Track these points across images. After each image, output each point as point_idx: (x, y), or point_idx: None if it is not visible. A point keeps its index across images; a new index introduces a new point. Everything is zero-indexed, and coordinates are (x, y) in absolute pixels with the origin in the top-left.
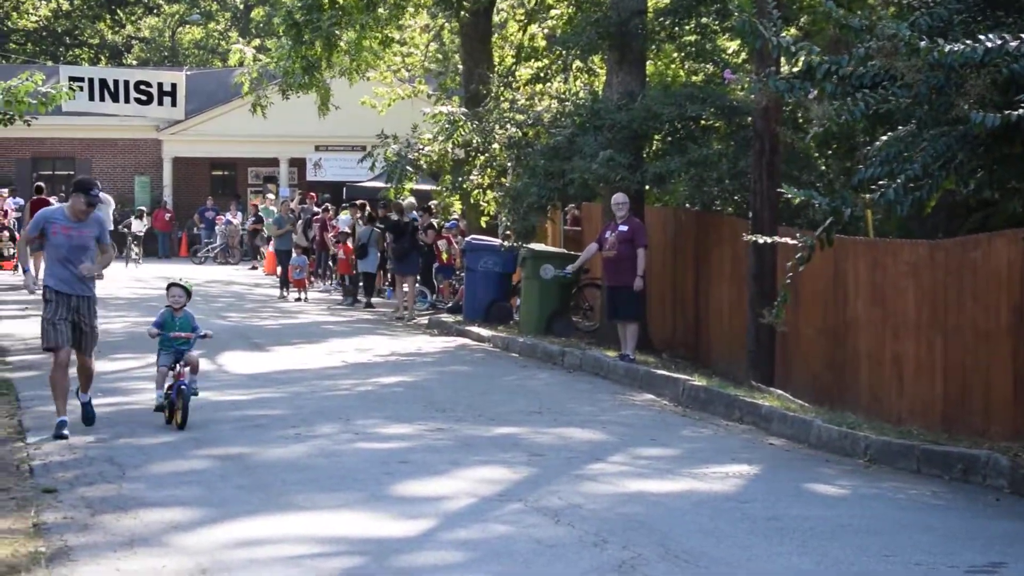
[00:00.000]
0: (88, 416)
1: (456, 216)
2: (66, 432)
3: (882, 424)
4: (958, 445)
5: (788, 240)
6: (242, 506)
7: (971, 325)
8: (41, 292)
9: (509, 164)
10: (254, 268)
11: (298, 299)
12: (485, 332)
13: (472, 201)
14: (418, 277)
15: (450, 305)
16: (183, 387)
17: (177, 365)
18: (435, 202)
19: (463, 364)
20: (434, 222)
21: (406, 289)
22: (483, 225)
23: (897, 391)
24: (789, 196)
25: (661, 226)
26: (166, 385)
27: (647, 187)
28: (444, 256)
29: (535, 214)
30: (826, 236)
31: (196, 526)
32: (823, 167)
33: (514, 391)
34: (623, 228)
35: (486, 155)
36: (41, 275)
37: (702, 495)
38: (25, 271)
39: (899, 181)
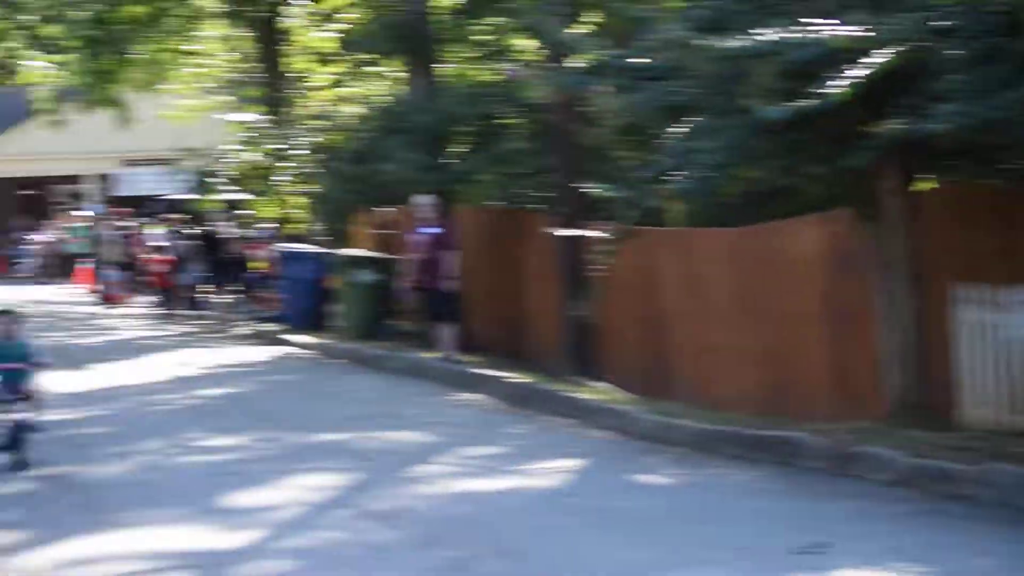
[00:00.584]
0: None
1: (270, 225)
2: None
3: (703, 412)
4: (777, 429)
5: (591, 234)
6: (71, 526)
7: (782, 310)
8: None
9: (315, 170)
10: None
11: (117, 314)
12: (307, 339)
13: (282, 208)
14: (236, 287)
15: (270, 315)
16: (15, 419)
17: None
18: (246, 211)
19: (287, 373)
20: (243, 232)
21: (224, 300)
22: (296, 232)
23: (716, 379)
24: (589, 190)
25: (473, 225)
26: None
27: (454, 187)
28: (261, 265)
29: (342, 218)
30: (627, 228)
31: (24, 548)
32: (622, 160)
33: (340, 397)
34: (428, 231)
35: (292, 163)
36: None
37: (530, 491)
38: None
39: (692, 171)
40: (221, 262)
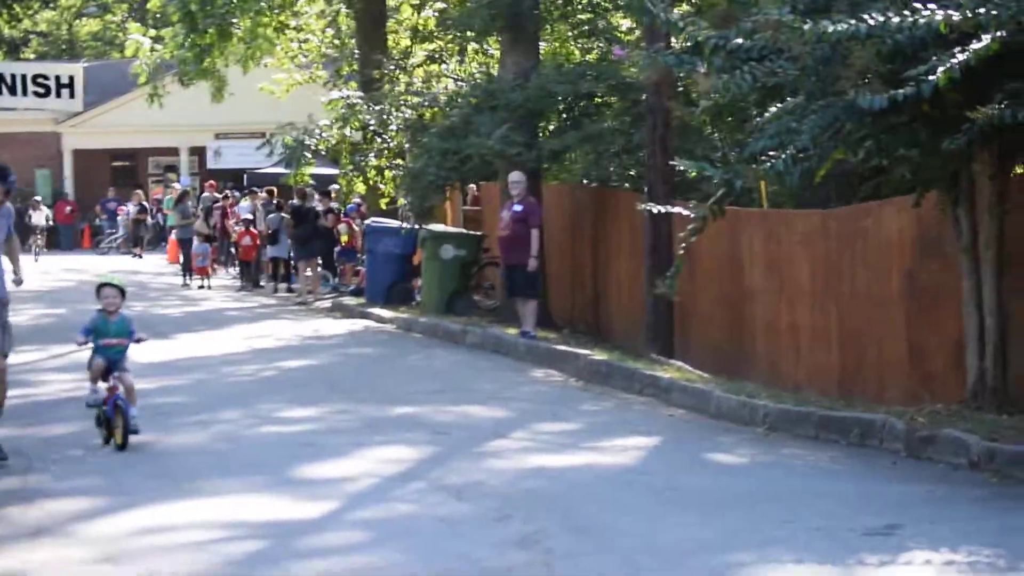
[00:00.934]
0: None
1: (357, 199)
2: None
3: (780, 392)
4: (854, 411)
5: (681, 211)
6: (147, 494)
7: (864, 293)
8: None
9: (406, 146)
10: (136, 256)
11: (201, 286)
12: (387, 313)
13: (371, 183)
14: (320, 261)
15: (352, 288)
16: (120, 402)
17: (111, 376)
18: (335, 186)
19: (366, 346)
20: (333, 206)
21: (308, 274)
22: (383, 207)
23: (794, 359)
24: (682, 169)
25: (559, 203)
26: (102, 390)
27: (544, 165)
28: (344, 239)
29: (433, 194)
30: (718, 207)
31: (101, 515)
32: (716, 140)
33: (416, 371)
34: (517, 208)
35: (383, 138)
36: None
37: (603, 468)
38: None
39: (788, 152)
40: (307, 236)
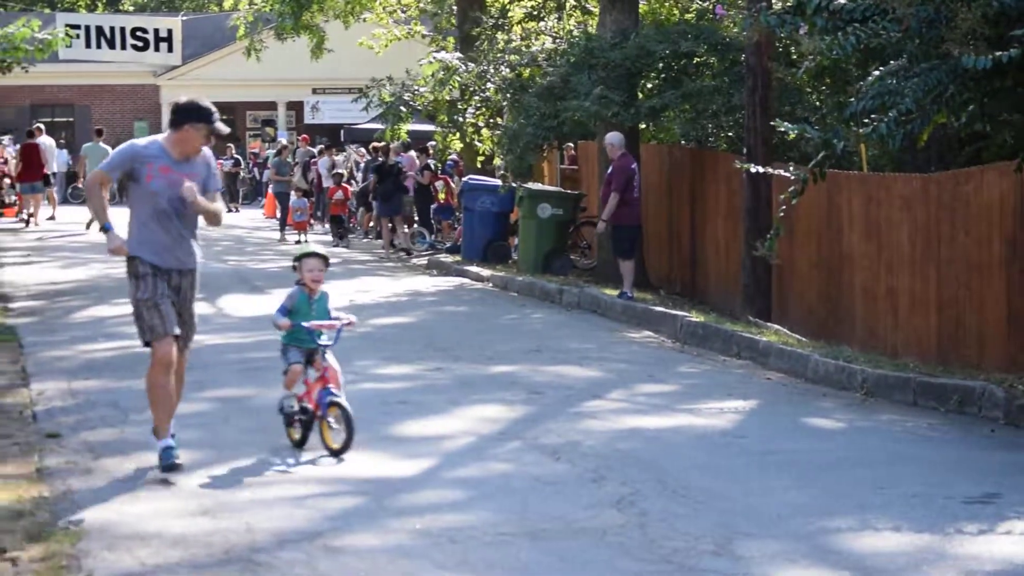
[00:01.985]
0: (166, 461)
1: (454, 157)
2: (177, 459)
3: (878, 357)
4: (953, 377)
5: (782, 172)
6: (244, 448)
7: (964, 258)
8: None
9: (504, 104)
10: (232, 210)
11: (298, 241)
12: (484, 272)
13: (468, 141)
14: (416, 218)
15: (449, 245)
16: (335, 399)
17: (312, 367)
18: (432, 143)
19: (462, 304)
20: (430, 163)
21: (401, 228)
22: (479, 165)
23: (892, 324)
24: (783, 130)
25: (656, 164)
26: (301, 393)
27: (642, 125)
28: (442, 196)
29: (531, 154)
30: (819, 170)
31: (198, 468)
32: (816, 102)
33: (512, 330)
34: (609, 169)
35: (481, 96)
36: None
37: (699, 430)
38: (106, 228)
39: (891, 115)
40: (389, 192)
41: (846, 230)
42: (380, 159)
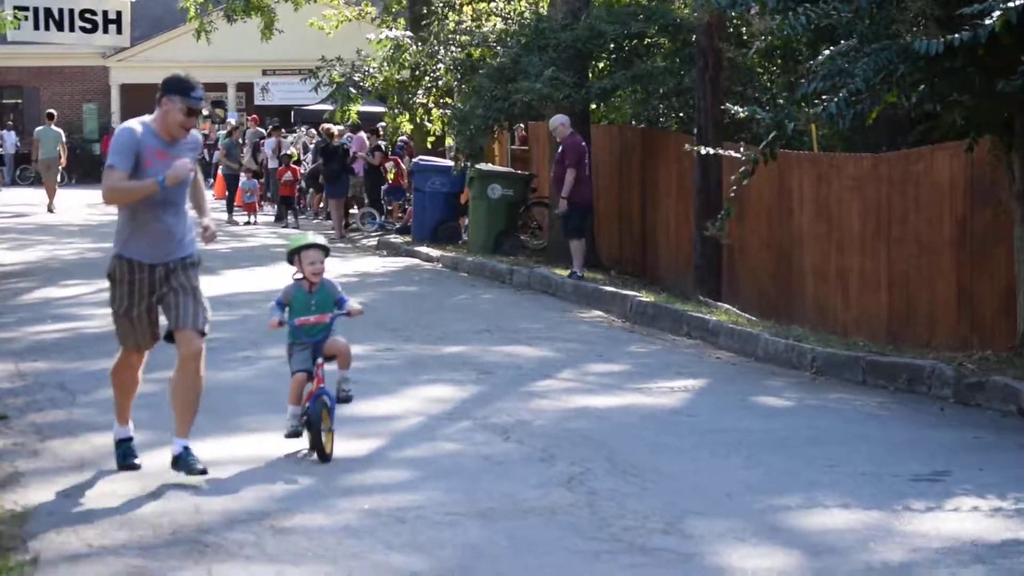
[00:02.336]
0: (183, 462)
1: (404, 137)
2: (135, 460)
3: (828, 336)
4: (903, 356)
5: (732, 153)
6: (193, 429)
7: (915, 238)
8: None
9: (455, 85)
10: None
11: (247, 222)
12: (434, 252)
13: (418, 122)
14: (366, 199)
15: (399, 226)
16: (325, 396)
17: (316, 368)
18: (382, 124)
19: (412, 284)
20: (381, 144)
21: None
22: (429, 146)
23: (843, 304)
24: (733, 112)
25: (607, 144)
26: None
27: (593, 106)
28: (391, 177)
29: (482, 135)
30: (770, 150)
31: (146, 449)
32: (766, 82)
33: (463, 310)
34: (560, 149)
35: (431, 76)
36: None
37: (649, 409)
38: (160, 183)
39: (841, 95)
40: (336, 174)
41: (796, 210)
42: (326, 141)
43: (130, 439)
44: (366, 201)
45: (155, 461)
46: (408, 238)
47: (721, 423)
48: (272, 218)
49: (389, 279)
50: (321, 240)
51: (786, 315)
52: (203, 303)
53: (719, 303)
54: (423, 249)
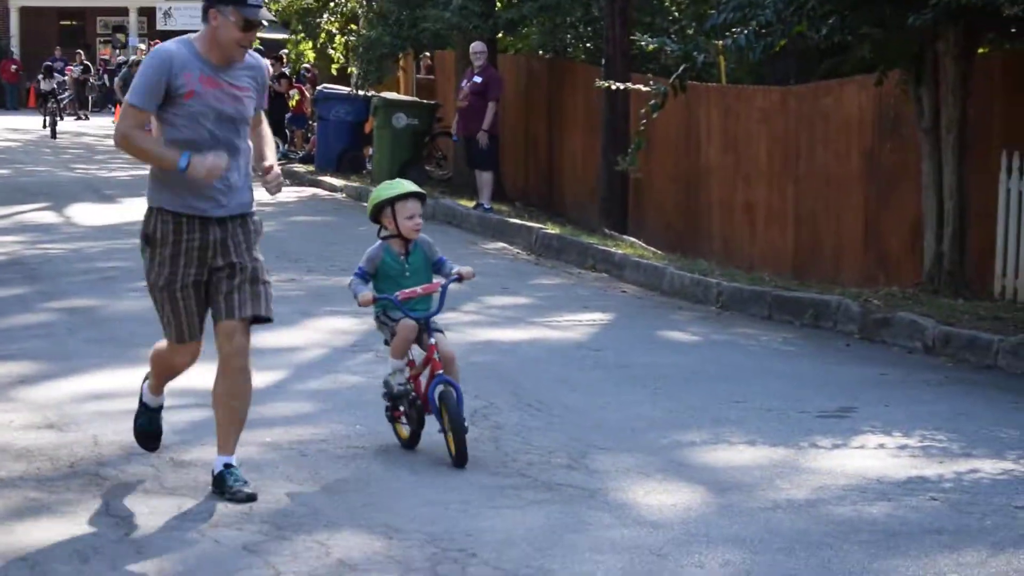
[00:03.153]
0: (226, 484)
1: (308, 64)
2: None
3: (734, 271)
4: (809, 291)
5: (642, 87)
6: (91, 359)
7: (823, 172)
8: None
9: (360, 11)
10: (83, 118)
11: None
12: (337, 182)
13: (322, 48)
14: (278, 127)
15: (302, 155)
16: (446, 386)
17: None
18: (285, 51)
19: (315, 214)
20: (285, 71)
21: None
22: (334, 73)
23: (749, 238)
24: (643, 43)
25: (514, 74)
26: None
27: (500, 35)
28: (293, 103)
29: (387, 63)
30: (679, 83)
31: (45, 379)
32: (676, 13)
33: (366, 240)
34: (477, 79)
35: (336, 1)
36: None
37: (555, 343)
38: (182, 168)
39: (752, 26)
40: None
41: (704, 143)
42: None
43: (159, 408)
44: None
45: (53, 392)
46: (311, 167)
47: (627, 358)
48: None
49: (291, 209)
50: (416, 188)
51: (692, 249)
52: (264, 281)
53: (625, 236)
54: (326, 179)
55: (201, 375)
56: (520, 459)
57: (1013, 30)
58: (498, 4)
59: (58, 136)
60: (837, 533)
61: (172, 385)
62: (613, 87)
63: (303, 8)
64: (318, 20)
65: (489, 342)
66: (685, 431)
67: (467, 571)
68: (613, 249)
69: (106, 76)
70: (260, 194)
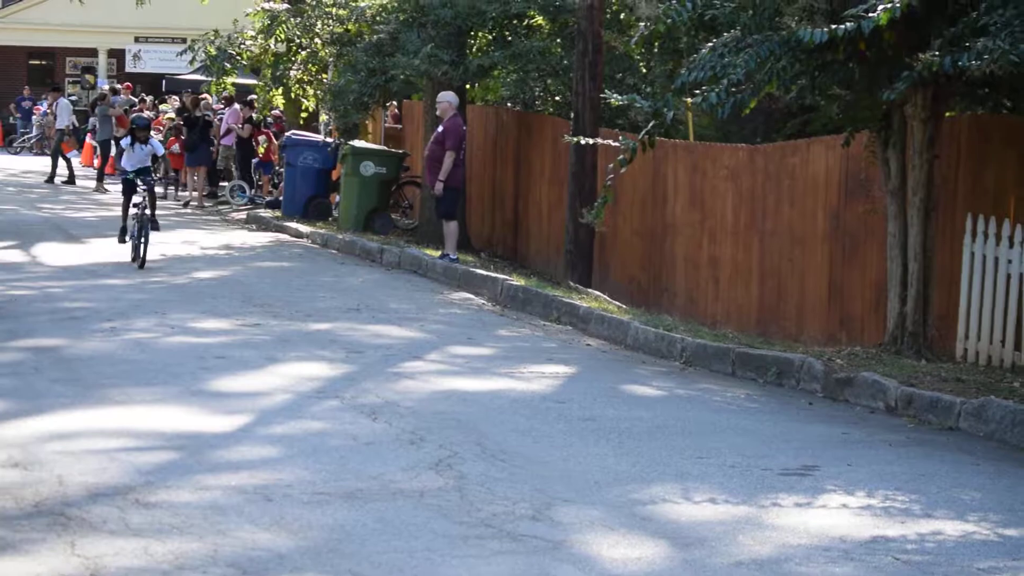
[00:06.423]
0: None
1: (277, 111)
2: None
3: (698, 327)
4: (773, 348)
5: (611, 143)
6: (56, 399)
7: (788, 230)
8: None
9: (331, 60)
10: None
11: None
12: (304, 228)
13: (292, 96)
14: (236, 172)
15: (269, 200)
16: None
17: None
18: (254, 96)
19: (281, 260)
20: (253, 115)
21: (196, 179)
22: (302, 121)
23: (713, 294)
24: (612, 99)
25: (482, 124)
26: None
27: (469, 85)
28: (261, 150)
29: (357, 111)
30: (648, 138)
31: (9, 418)
32: (645, 70)
33: (332, 288)
34: (439, 129)
35: (307, 50)
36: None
37: (519, 394)
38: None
39: (723, 84)
40: (195, 143)
41: (671, 198)
42: (189, 111)
43: None
44: (236, 174)
45: (19, 431)
46: (278, 212)
47: (592, 411)
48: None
49: (258, 254)
50: None
51: (656, 303)
52: None
53: (590, 289)
54: (293, 225)
55: (168, 416)
56: (484, 509)
57: (982, 90)
58: (469, 53)
59: (21, 175)
60: None
61: (137, 426)
62: (583, 142)
63: (275, 56)
64: (288, 68)
65: (453, 391)
66: (649, 485)
67: None
68: (578, 302)
69: (74, 117)
70: (228, 238)
